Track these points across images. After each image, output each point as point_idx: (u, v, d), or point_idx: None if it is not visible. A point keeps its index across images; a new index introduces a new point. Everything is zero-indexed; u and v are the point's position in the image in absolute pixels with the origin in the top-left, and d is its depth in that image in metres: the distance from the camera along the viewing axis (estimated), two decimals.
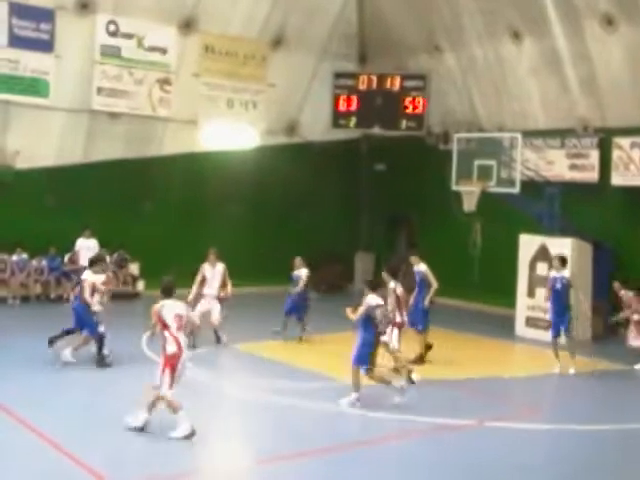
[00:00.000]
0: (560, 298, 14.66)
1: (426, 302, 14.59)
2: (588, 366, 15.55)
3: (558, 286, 14.69)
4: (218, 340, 15.54)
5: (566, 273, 14.85)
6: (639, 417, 11.88)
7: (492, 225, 19.53)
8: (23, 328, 13.32)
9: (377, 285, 12.11)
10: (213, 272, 15.58)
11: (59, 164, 20.62)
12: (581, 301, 14.85)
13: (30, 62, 19.45)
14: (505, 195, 18.65)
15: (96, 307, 13.47)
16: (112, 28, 20.47)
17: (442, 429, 10.93)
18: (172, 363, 9.70)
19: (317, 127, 24.32)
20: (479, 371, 14.51)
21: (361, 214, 25.91)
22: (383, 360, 12.73)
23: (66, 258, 20.19)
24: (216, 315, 15.39)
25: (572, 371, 14.57)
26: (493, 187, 18.68)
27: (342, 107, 23.98)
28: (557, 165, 20.29)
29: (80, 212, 20.09)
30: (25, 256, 19.88)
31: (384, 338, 12.37)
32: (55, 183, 20.40)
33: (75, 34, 19.97)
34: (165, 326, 9.80)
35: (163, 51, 21.33)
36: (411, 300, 14.65)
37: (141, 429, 9.74)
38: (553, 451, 10.33)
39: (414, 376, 13.06)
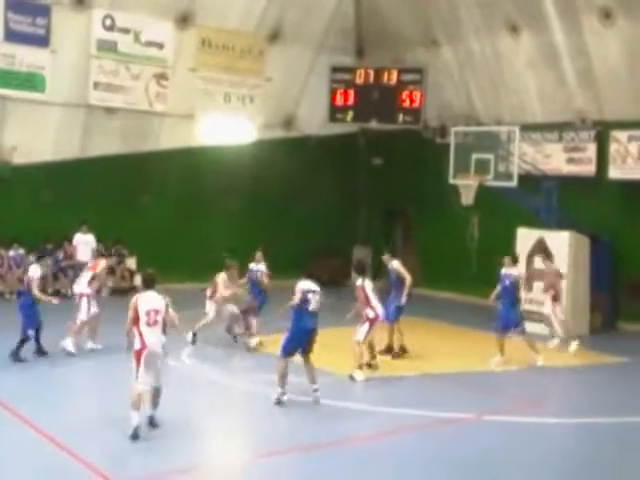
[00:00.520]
0: (509, 295, 14.82)
1: (403, 299, 14.53)
2: (585, 359, 15.58)
3: (507, 283, 14.86)
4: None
5: (515, 271, 14.99)
6: (637, 410, 11.89)
7: (490, 219, 19.54)
8: (19, 323, 13.33)
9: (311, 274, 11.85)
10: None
11: (56, 159, 20.57)
12: (521, 300, 14.97)
13: (26, 57, 19.39)
14: (503, 189, 18.65)
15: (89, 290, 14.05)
16: (108, 23, 20.40)
17: (439, 423, 10.93)
18: (137, 357, 9.61)
19: (314, 121, 24.30)
20: (476, 364, 14.51)
21: (358, 208, 25.89)
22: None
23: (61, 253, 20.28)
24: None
25: (540, 363, 14.62)
26: (490, 181, 18.68)
27: (339, 101, 23.96)
28: (554, 159, 20.28)
29: (77, 207, 20.08)
30: (22, 251, 19.84)
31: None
32: (52, 178, 20.35)
33: (71, 29, 19.91)
34: (137, 319, 9.69)
35: (160, 46, 21.26)
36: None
37: (136, 430, 9.47)
38: (551, 444, 10.35)
39: (357, 374, 12.95)
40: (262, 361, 13.84)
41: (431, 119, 23.48)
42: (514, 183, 18.33)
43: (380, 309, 13.22)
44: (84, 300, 13.98)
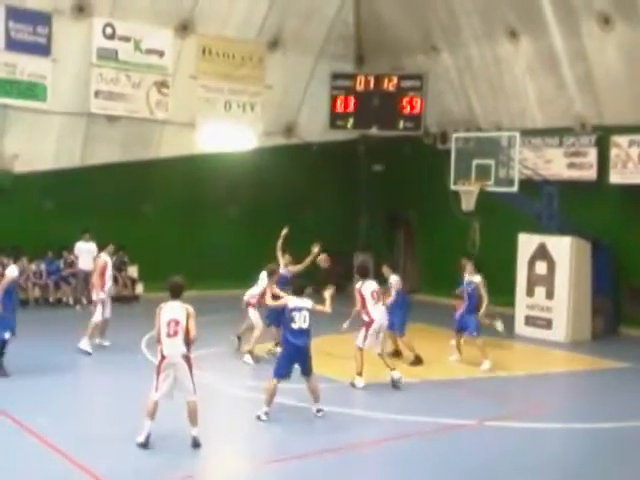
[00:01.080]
0: (470, 300, 14.97)
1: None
2: (587, 364, 15.58)
3: (469, 289, 15.07)
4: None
5: (477, 278, 15.05)
6: (639, 415, 11.88)
7: (491, 224, 19.50)
8: (21, 332, 13.30)
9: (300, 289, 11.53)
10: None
11: (57, 168, 20.60)
12: (486, 305, 15.01)
13: (27, 66, 19.43)
14: (504, 194, 18.64)
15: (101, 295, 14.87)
16: (109, 31, 20.45)
17: (442, 429, 10.92)
18: (157, 368, 9.61)
19: (315, 128, 24.32)
20: (477, 371, 14.50)
21: (360, 215, 25.91)
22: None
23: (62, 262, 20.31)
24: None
25: (486, 366, 14.62)
26: (491, 186, 18.66)
27: (340, 108, 23.98)
28: (555, 164, 20.29)
29: (79, 216, 20.08)
30: (23, 260, 19.81)
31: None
32: (53, 187, 20.38)
33: (72, 37, 19.96)
34: (159, 329, 9.64)
35: (160, 54, 21.31)
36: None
37: (147, 438, 9.47)
38: (554, 450, 10.35)
39: (357, 381, 12.93)
40: (258, 365, 13.92)
41: (431, 125, 23.51)
42: (515, 189, 18.32)
43: (376, 314, 13.06)
44: (99, 304, 14.87)
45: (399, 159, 24.38)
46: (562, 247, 18.09)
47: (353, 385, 12.89)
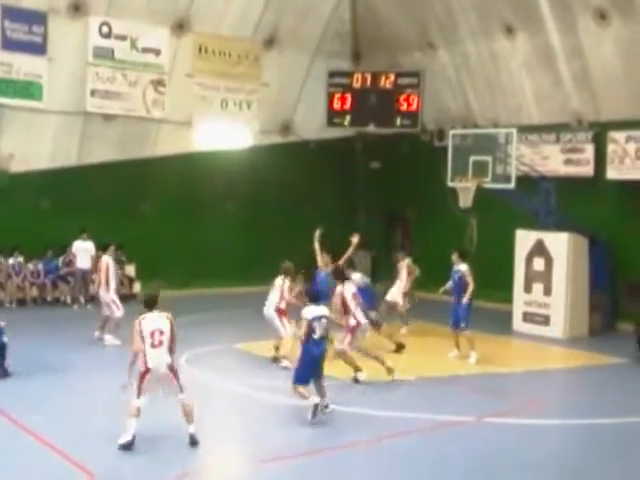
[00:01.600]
0: (458, 290, 14.94)
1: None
2: (585, 360, 15.58)
3: (456, 278, 15.03)
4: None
5: (463, 267, 14.96)
6: (637, 411, 11.87)
7: (488, 221, 19.49)
8: (19, 331, 13.30)
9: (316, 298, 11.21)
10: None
11: (54, 167, 20.58)
12: (468, 295, 14.81)
13: (23, 65, 19.39)
14: (501, 191, 18.64)
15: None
16: (105, 30, 20.42)
17: (441, 426, 10.93)
18: (140, 378, 9.43)
19: (312, 126, 24.30)
20: (477, 367, 14.50)
21: (357, 212, 25.87)
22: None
23: (60, 261, 20.29)
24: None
25: (473, 359, 14.68)
26: (489, 183, 18.65)
27: (336, 105, 23.94)
28: (552, 160, 20.30)
29: (76, 214, 20.06)
30: (21, 259, 19.85)
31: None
32: (50, 186, 20.36)
33: (68, 36, 19.92)
34: (142, 340, 9.46)
35: (156, 52, 21.29)
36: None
37: (132, 439, 9.33)
38: (552, 446, 10.35)
39: (360, 375, 12.86)
40: (257, 364, 13.93)
41: (428, 122, 23.50)
42: (512, 185, 18.32)
43: (361, 316, 12.88)
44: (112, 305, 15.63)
45: (396, 156, 24.37)
46: (559, 243, 18.09)
47: (356, 380, 12.80)
